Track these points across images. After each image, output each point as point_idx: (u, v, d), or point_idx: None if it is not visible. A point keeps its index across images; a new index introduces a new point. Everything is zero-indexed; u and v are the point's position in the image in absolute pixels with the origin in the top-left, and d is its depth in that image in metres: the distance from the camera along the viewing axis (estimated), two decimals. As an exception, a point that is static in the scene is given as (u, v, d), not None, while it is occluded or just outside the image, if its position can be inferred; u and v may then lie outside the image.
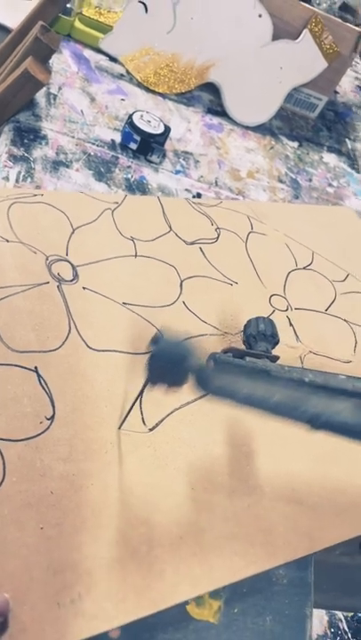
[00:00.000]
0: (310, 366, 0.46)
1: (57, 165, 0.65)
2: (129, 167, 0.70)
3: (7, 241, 0.48)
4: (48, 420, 0.39)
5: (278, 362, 0.36)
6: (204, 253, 0.57)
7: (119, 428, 0.39)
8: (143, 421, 0.41)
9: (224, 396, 0.29)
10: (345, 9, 0.91)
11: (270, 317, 0.52)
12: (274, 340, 0.39)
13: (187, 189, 0.72)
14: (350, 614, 0.48)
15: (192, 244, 0.57)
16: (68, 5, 0.80)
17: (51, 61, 0.76)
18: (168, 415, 0.42)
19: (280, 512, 0.39)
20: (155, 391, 0.31)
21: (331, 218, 0.70)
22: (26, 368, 0.41)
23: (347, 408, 0.29)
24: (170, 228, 0.57)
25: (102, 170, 0.68)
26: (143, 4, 0.79)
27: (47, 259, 0.48)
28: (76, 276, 0.48)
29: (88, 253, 0.51)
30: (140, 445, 0.40)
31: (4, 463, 0.36)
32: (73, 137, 0.69)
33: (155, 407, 0.42)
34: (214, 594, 0.32)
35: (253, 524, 0.38)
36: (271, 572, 0.34)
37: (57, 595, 0.31)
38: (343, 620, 0.48)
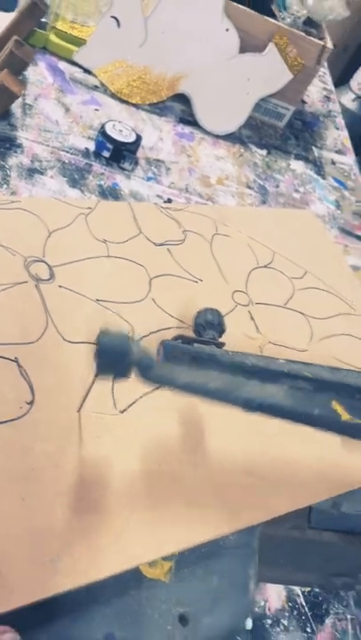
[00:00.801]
0: (269, 355, 0.50)
1: (32, 173, 0.68)
2: (102, 174, 0.73)
3: None
4: (28, 404, 0.42)
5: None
6: (171, 254, 0.60)
7: (77, 410, 0.42)
8: (115, 405, 0.45)
9: (165, 383, 0.33)
10: (309, 23, 0.95)
11: (233, 311, 0.56)
12: (220, 328, 0.42)
13: (158, 195, 0.75)
14: (307, 589, 0.52)
15: (160, 245, 0.61)
16: (44, 20, 0.84)
17: (27, 73, 0.80)
18: (139, 398, 0.46)
19: (238, 483, 0.43)
20: (104, 382, 0.34)
21: (291, 220, 0.74)
22: (7, 359, 0.44)
23: (279, 392, 0.33)
24: (140, 230, 0.61)
25: (76, 177, 0.71)
26: (116, 18, 0.82)
27: (25, 260, 0.52)
28: (52, 275, 0.52)
29: (63, 255, 0.54)
30: (112, 426, 0.43)
31: None
32: (48, 145, 0.73)
33: (126, 392, 0.46)
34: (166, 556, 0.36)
35: (214, 494, 0.42)
36: (220, 538, 0.38)
37: (38, 556, 0.35)
38: (301, 595, 0.51)
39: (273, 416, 0.34)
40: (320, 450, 0.47)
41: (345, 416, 0.33)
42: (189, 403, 0.45)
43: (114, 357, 0.33)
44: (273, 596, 0.50)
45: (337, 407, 0.34)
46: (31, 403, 0.42)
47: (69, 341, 0.48)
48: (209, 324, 0.42)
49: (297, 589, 0.52)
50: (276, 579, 0.50)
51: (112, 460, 0.41)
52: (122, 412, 0.44)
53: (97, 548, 0.36)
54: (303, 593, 0.52)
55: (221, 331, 0.43)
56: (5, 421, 0.41)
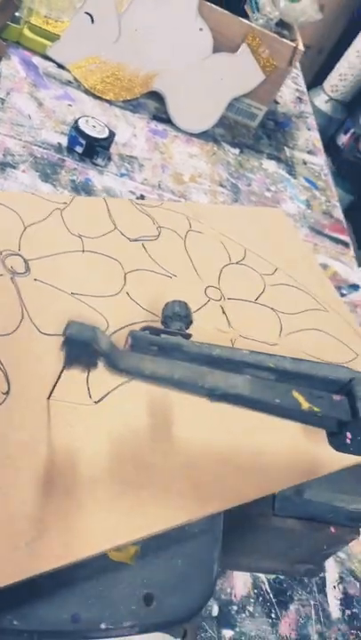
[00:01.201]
0: (240, 348, 0.51)
1: (4, 166, 0.68)
2: (75, 169, 0.74)
3: None
4: (4, 394, 0.43)
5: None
6: (146, 249, 0.61)
7: (47, 398, 0.43)
8: (89, 395, 0.45)
9: (131, 374, 0.33)
10: (282, 25, 0.97)
11: (206, 306, 0.57)
12: (187, 320, 0.43)
13: (131, 191, 0.76)
14: (272, 576, 0.53)
15: (135, 240, 0.61)
16: (17, 14, 0.84)
17: (-1, 67, 0.79)
18: (114, 389, 0.46)
19: (209, 471, 0.44)
20: (72, 372, 0.35)
21: (262, 218, 0.76)
22: None
23: (242, 382, 0.34)
24: (115, 226, 0.62)
25: (48, 171, 0.71)
26: (90, 14, 0.83)
27: (1, 253, 0.52)
28: (27, 269, 0.52)
29: (39, 249, 0.55)
30: (86, 416, 0.44)
31: None
32: (20, 139, 0.73)
33: (101, 383, 0.46)
34: (132, 539, 0.37)
35: (186, 480, 0.43)
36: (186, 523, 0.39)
37: (14, 539, 0.35)
38: (266, 582, 0.53)
39: (236, 405, 0.35)
40: (286, 439, 0.49)
41: (305, 405, 0.34)
42: (164, 394, 0.46)
43: (80, 348, 0.33)
44: (239, 583, 0.52)
45: (297, 396, 0.35)
46: (7, 393, 0.43)
47: (44, 333, 0.48)
48: (176, 316, 0.43)
49: (262, 576, 0.53)
50: (242, 566, 0.51)
51: (85, 448, 0.42)
52: (96, 402, 0.45)
53: (70, 532, 0.37)
54: (268, 580, 0.53)
55: (189, 322, 0.43)
56: None
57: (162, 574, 0.34)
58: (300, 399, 0.35)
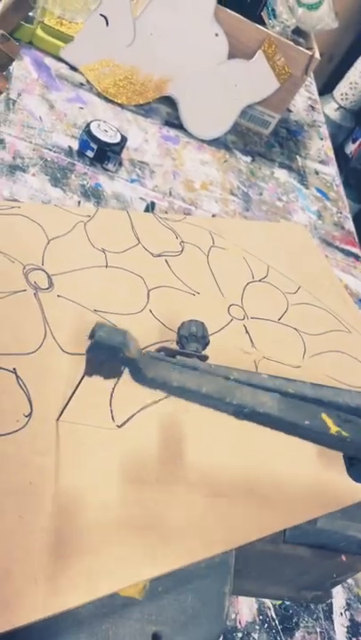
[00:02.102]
0: (264, 371, 0.50)
1: (13, 170, 0.66)
2: (85, 174, 0.72)
3: None
4: (26, 416, 0.41)
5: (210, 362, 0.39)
6: (169, 265, 0.60)
7: (57, 419, 0.41)
8: (113, 418, 0.44)
9: (157, 387, 0.32)
10: (298, 32, 0.95)
11: (229, 325, 0.56)
12: (204, 340, 0.42)
13: (141, 198, 0.75)
14: (278, 602, 0.51)
15: (158, 256, 0.60)
16: (31, 14, 0.82)
17: (11, 67, 0.78)
18: (137, 412, 0.45)
19: (234, 501, 0.43)
20: (93, 380, 0.33)
21: (285, 234, 0.75)
22: (5, 369, 0.43)
23: (270, 401, 0.32)
24: (138, 240, 0.61)
25: (58, 175, 0.70)
26: (104, 17, 0.81)
27: (24, 268, 0.51)
28: (51, 284, 0.51)
29: (62, 263, 0.54)
30: (109, 440, 0.43)
31: None
32: (31, 142, 0.71)
33: (125, 404, 0.45)
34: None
35: (209, 512, 0.41)
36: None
37: (35, 573, 0.34)
38: (271, 608, 0.51)
39: (263, 424, 0.34)
40: (308, 467, 0.47)
41: (333, 428, 0.33)
42: (188, 418, 0.45)
43: (108, 353, 0.31)
44: (244, 609, 0.50)
45: (326, 419, 0.34)
46: (29, 415, 0.41)
47: (67, 352, 0.47)
48: (192, 337, 0.41)
49: (268, 602, 0.51)
50: (248, 591, 0.49)
51: (108, 476, 0.40)
52: (119, 426, 0.43)
53: (95, 566, 0.35)
54: (274, 606, 0.51)
55: (206, 343, 0.42)
56: (2, 434, 0.39)
57: (171, 610, 0.32)
58: (329, 422, 0.33)
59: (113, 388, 0.42)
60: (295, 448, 0.42)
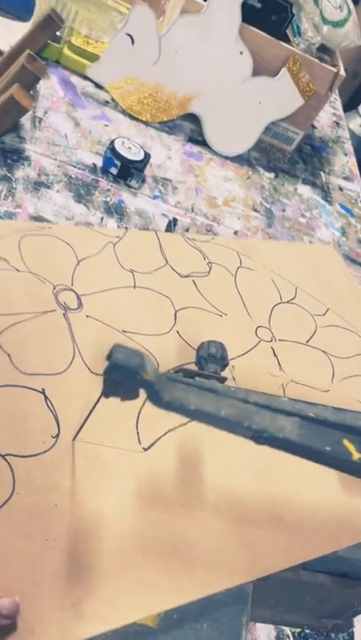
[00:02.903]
0: (292, 394, 0.50)
1: (38, 186, 0.67)
2: (108, 190, 0.73)
3: (18, 271, 0.52)
4: (54, 438, 0.41)
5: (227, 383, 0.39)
6: (196, 286, 0.60)
7: (73, 439, 0.41)
8: (139, 441, 0.44)
9: (174, 410, 0.31)
10: (323, 50, 0.95)
11: (256, 347, 0.55)
12: (223, 362, 0.41)
13: (163, 214, 0.75)
14: (297, 630, 0.50)
15: (186, 276, 0.61)
16: (58, 33, 0.84)
17: (38, 86, 0.79)
18: (163, 435, 0.45)
19: (261, 529, 0.42)
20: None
21: (313, 255, 0.74)
22: (34, 389, 0.43)
23: (291, 425, 0.32)
24: (166, 261, 0.61)
25: (82, 192, 0.71)
26: (130, 36, 0.82)
27: (54, 288, 0.52)
28: (80, 304, 0.52)
29: (91, 284, 0.54)
30: (135, 464, 0.42)
31: (13, 477, 0.38)
32: (55, 159, 0.72)
33: (151, 427, 0.45)
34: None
35: (236, 538, 0.41)
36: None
37: (60, 599, 0.34)
38: (290, 636, 0.50)
39: (282, 449, 0.33)
40: (334, 493, 0.46)
41: (356, 455, 0.32)
42: (217, 442, 0.45)
43: (125, 375, 0.31)
44: (262, 636, 0.49)
45: (348, 445, 0.33)
46: (57, 436, 0.41)
47: (96, 373, 0.47)
48: (211, 357, 0.41)
49: (287, 630, 0.50)
50: (267, 618, 0.48)
51: (131, 500, 0.40)
52: (145, 449, 0.43)
53: (120, 592, 0.35)
54: (293, 634, 0.50)
55: (224, 365, 0.41)
56: (30, 455, 0.40)
57: (187, 639, 0.32)
58: (351, 448, 0.32)
59: (140, 410, 0.42)
60: (321, 473, 0.41)
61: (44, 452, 0.40)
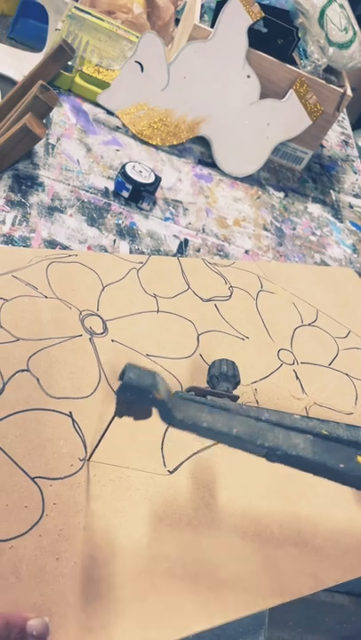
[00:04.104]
0: (315, 417, 0.50)
1: (52, 211, 0.69)
2: (120, 213, 0.74)
3: (46, 297, 0.53)
4: (81, 460, 0.42)
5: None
6: (218, 310, 0.61)
7: (88, 459, 0.42)
8: (164, 463, 0.44)
9: (186, 428, 0.32)
10: (330, 71, 0.97)
11: (278, 370, 0.55)
12: (235, 380, 0.42)
13: (175, 235, 0.76)
14: (317, 652, 0.49)
15: (208, 300, 0.61)
16: (70, 63, 0.87)
17: (51, 114, 0.81)
18: (188, 458, 0.45)
19: (287, 552, 0.42)
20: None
21: (333, 277, 0.75)
22: (62, 413, 0.44)
23: (304, 442, 0.32)
24: (188, 286, 0.62)
25: (95, 215, 0.72)
26: (140, 63, 0.85)
27: (80, 313, 0.53)
28: (105, 329, 0.53)
29: (116, 309, 0.55)
30: (161, 487, 0.43)
31: (43, 499, 0.39)
32: (68, 184, 0.74)
33: (176, 450, 0.45)
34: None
35: (262, 562, 0.41)
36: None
37: (88, 620, 0.34)
38: (310, 659, 0.49)
39: (296, 467, 0.33)
40: (358, 514, 0.46)
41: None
42: (242, 463, 0.45)
43: (137, 395, 0.32)
44: (281, 658, 0.48)
45: None
46: (84, 459, 0.42)
47: None
48: (223, 376, 0.41)
49: (307, 652, 0.49)
50: (286, 640, 0.47)
51: (163, 523, 0.40)
52: (171, 472, 0.43)
53: (147, 614, 0.35)
54: (313, 656, 0.49)
55: (236, 383, 0.42)
56: (59, 478, 0.40)
57: (203, 660, 0.31)
58: (364, 466, 0.32)
59: (165, 433, 0.43)
60: (344, 494, 0.40)
61: (72, 474, 0.41)
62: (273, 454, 0.32)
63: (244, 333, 0.59)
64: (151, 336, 0.54)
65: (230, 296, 0.63)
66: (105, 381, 0.48)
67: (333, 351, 0.62)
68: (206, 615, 0.36)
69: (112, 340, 0.52)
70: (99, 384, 0.47)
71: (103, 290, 0.57)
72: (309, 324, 0.64)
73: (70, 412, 0.44)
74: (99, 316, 0.53)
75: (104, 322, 0.53)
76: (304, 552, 0.42)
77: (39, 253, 0.59)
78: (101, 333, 0.52)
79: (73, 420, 0.44)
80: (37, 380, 0.45)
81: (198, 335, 0.56)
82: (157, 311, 0.57)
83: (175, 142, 0.89)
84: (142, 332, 0.54)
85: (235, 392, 0.41)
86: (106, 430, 0.39)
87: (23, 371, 0.45)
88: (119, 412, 0.33)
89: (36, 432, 0.42)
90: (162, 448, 0.45)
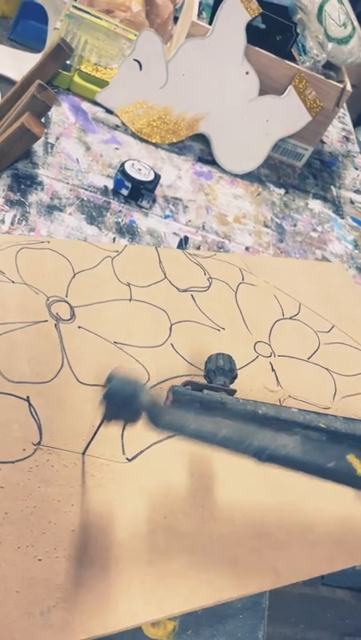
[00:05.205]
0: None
1: (51, 210, 0.69)
2: (120, 212, 0.74)
3: (13, 282, 0.53)
4: (35, 445, 0.42)
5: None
6: (195, 300, 0.60)
7: (82, 453, 0.42)
8: (123, 451, 0.44)
9: (174, 430, 0.32)
10: (329, 66, 0.96)
11: (254, 362, 0.55)
12: (232, 374, 0.41)
13: (175, 233, 0.76)
14: (320, 648, 0.49)
15: (184, 291, 0.61)
16: (68, 62, 0.87)
17: (50, 113, 0.82)
18: (148, 447, 0.45)
19: (248, 545, 0.41)
20: (112, 426, 0.34)
21: (321, 272, 0.74)
22: (18, 397, 0.44)
23: (292, 443, 0.32)
24: (165, 275, 0.62)
25: (94, 214, 0.72)
26: (138, 61, 0.85)
27: (48, 299, 0.53)
28: (73, 315, 0.52)
29: (86, 296, 0.55)
30: (118, 474, 0.42)
31: None
32: (68, 183, 0.74)
33: (136, 439, 0.45)
34: (170, 615, 0.34)
35: (221, 554, 0.40)
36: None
37: (28, 606, 0.34)
38: (313, 655, 0.49)
39: (285, 467, 0.33)
40: (339, 511, 0.45)
41: None
42: (201, 454, 0.44)
43: (122, 401, 0.32)
44: (283, 654, 0.48)
45: (352, 460, 0.33)
46: (38, 444, 0.42)
47: (83, 383, 0.47)
48: (220, 370, 0.41)
49: (309, 648, 0.49)
50: (288, 637, 0.47)
51: (116, 511, 0.40)
52: (130, 459, 0.43)
53: (92, 603, 0.35)
54: (315, 652, 0.49)
55: (233, 377, 0.42)
56: (10, 462, 0.40)
57: (201, 655, 0.31)
58: (356, 464, 0.32)
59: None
60: (323, 490, 0.40)
61: (24, 458, 0.40)
62: (262, 454, 0.32)
63: (221, 325, 0.58)
64: (121, 324, 0.54)
65: (209, 287, 0.62)
66: (68, 367, 0.48)
67: (314, 345, 0.62)
68: (155, 606, 0.35)
69: (79, 327, 0.51)
70: (60, 370, 0.47)
71: (74, 277, 0.56)
72: (291, 318, 0.64)
73: (28, 397, 0.44)
74: (67, 302, 0.53)
75: (72, 308, 0.53)
76: (265, 545, 0.42)
77: (10, 239, 0.59)
78: (68, 319, 0.52)
79: (30, 405, 0.44)
80: None
81: (171, 325, 0.56)
82: (130, 299, 0.57)
83: (175, 140, 0.89)
84: (112, 319, 0.54)
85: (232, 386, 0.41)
86: (94, 433, 0.39)
87: None
88: (108, 417, 0.33)
89: None
90: (122, 436, 0.44)
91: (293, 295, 0.66)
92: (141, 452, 0.44)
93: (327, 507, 0.45)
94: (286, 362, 0.58)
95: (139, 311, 0.56)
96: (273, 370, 0.56)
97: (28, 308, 0.51)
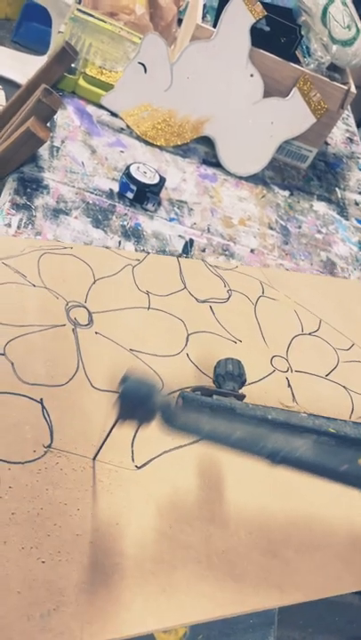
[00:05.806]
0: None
1: (57, 213, 0.69)
2: (125, 215, 0.74)
3: (34, 285, 0.53)
4: (45, 447, 0.42)
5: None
6: (213, 312, 0.61)
7: (93, 458, 0.42)
8: (133, 459, 0.44)
9: (188, 432, 0.32)
10: (333, 68, 0.96)
11: (270, 376, 0.54)
12: (241, 379, 0.41)
13: (180, 235, 0.76)
14: (328, 652, 0.49)
15: (203, 302, 0.61)
16: (73, 65, 0.87)
17: (55, 116, 0.82)
18: (158, 456, 0.45)
19: (253, 561, 0.41)
20: (117, 433, 0.34)
21: (342, 289, 0.74)
22: (32, 399, 0.44)
23: (305, 445, 0.32)
24: (184, 285, 0.62)
25: (100, 217, 0.72)
26: (143, 64, 0.85)
27: (67, 304, 0.53)
28: (91, 321, 0.53)
29: (105, 302, 0.55)
30: (126, 481, 0.42)
31: None
32: (73, 186, 0.74)
33: (146, 447, 0.45)
34: (181, 620, 0.34)
35: (225, 569, 0.40)
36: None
37: (28, 608, 0.34)
38: (321, 658, 0.49)
39: (298, 470, 0.33)
40: (349, 531, 0.45)
41: (372, 474, 0.32)
42: (210, 465, 0.44)
43: (137, 401, 0.32)
44: (292, 658, 0.48)
45: None
46: (49, 446, 0.42)
47: (97, 388, 0.48)
48: (229, 375, 0.41)
49: (317, 651, 0.49)
50: (296, 640, 0.47)
51: (122, 518, 0.40)
52: (139, 467, 0.43)
53: (93, 609, 0.35)
54: (324, 655, 0.49)
55: (242, 382, 0.42)
56: (19, 462, 0.40)
57: (212, 660, 0.31)
58: (367, 467, 0.32)
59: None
60: (346, 496, 0.39)
61: (33, 460, 0.41)
62: (275, 457, 0.32)
63: (238, 337, 0.58)
64: (138, 331, 0.54)
65: (228, 299, 0.62)
66: (82, 372, 0.48)
67: (333, 362, 0.61)
68: (156, 616, 0.35)
69: (96, 333, 0.52)
70: (75, 374, 0.47)
71: (94, 283, 0.56)
72: (310, 334, 0.63)
73: (41, 399, 0.44)
74: (85, 308, 0.53)
75: (90, 314, 0.53)
76: (271, 563, 0.41)
77: (33, 244, 0.59)
78: (86, 325, 0.52)
79: (43, 407, 0.44)
80: (12, 364, 0.45)
81: (188, 335, 0.56)
82: (148, 308, 0.57)
83: (179, 142, 0.89)
84: (129, 326, 0.54)
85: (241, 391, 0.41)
86: (108, 434, 0.39)
87: None
88: (122, 417, 0.33)
89: (1, 415, 0.42)
90: (132, 444, 0.44)
91: (314, 311, 0.66)
92: (151, 460, 0.44)
93: (337, 527, 0.45)
94: (303, 377, 0.58)
95: (156, 320, 0.56)
96: (289, 385, 0.56)
97: (48, 311, 0.51)
